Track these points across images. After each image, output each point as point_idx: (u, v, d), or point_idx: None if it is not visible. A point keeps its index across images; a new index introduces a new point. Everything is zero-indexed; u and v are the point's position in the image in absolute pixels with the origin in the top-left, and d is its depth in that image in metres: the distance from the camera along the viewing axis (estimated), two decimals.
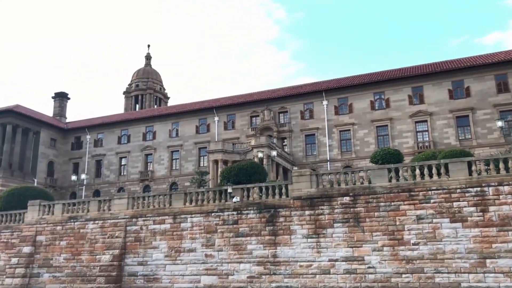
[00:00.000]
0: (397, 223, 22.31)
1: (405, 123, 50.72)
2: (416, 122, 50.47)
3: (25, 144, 63.19)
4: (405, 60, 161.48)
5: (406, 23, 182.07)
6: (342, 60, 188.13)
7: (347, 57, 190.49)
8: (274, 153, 46.54)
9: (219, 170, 44.45)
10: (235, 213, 25.83)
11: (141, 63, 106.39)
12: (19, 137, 61.90)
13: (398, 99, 51.68)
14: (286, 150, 54.84)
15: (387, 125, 51.52)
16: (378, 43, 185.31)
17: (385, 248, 22.13)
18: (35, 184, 56.19)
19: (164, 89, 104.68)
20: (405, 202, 22.51)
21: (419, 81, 51.10)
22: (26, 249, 30.47)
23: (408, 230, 22.00)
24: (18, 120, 62.17)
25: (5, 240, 32.74)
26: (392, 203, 22.72)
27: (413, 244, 21.70)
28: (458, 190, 21.76)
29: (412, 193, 22.53)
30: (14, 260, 30.31)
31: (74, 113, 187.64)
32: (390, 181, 23.31)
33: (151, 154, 62.92)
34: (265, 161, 45.45)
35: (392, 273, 21.62)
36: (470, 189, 21.58)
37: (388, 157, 27.56)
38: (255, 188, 26.32)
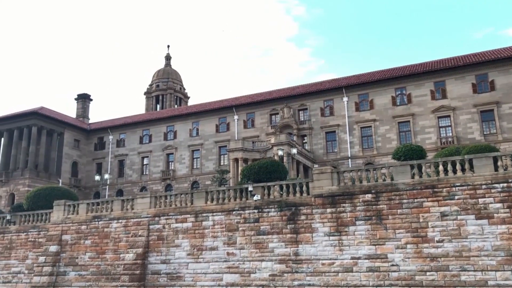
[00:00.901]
0: (421, 220, 21.98)
1: (427, 119, 49.89)
2: (438, 117, 49.60)
3: (49, 145, 64.57)
4: (427, 55, 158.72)
5: (428, 17, 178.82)
6: (363, 56, 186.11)
7: (367, 52, 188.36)
8: (294, 150, 46.39)
9: (240, 168, 44.55)
10: (256, 211, 25.85)
11: (161, 64, 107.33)
12: (44, 139, 63.29)
13: (420, 94, 50.85)
14: (306, 147, 54.60)
15: (409, 121, 50.78)
16: (400, 37, 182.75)
17: (408, 246, 21.82)
18: (60, 185, 57.43)
19: (184, 89, 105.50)
20: (429, 199, 22.16)
21: (441, 76, 50.18)
22: (53, 248, 31.15)
23: (432, 227, 21.65)
24: (43, 122, 63.57)
25: (32, 239, 33.56)
26: (415, 200, 22.39)
27: (438, 242, 21.34)
28: (484, 186, 21.29)
29: (436, 189, 22.15)
30: (42, 259, 31.04)
31: (97, 114, 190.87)
32: (413, 177, 22.97)
33: (172, 153, 63.52)
34: (285, 159, 45.35)
35: (416, 271, 21.32)
36: (496, 185, 21.10)
37: (410, 154, 27.13)
38: (275, 186, 26.28)
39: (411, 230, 22.01)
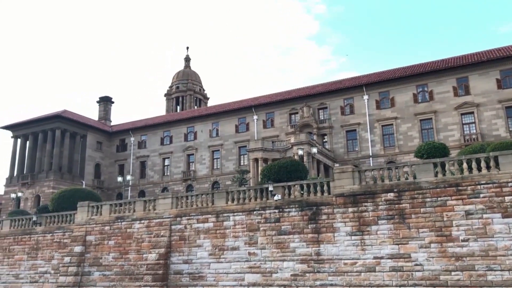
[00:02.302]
0: (445, 219, 21.58)
1: (450, 116, 49.01)
2: (462, 114, 48.68)
3: (73, 148, 65.83)
4: (450, 51, 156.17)
5: (451, 12, 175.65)
6: (385, 54, 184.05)
7: (389, 50, 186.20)
8: (314, 150, 46.15)
9: (259, 168, 44.56)
10: (276, 211, 25.80)
11: (181, 65, 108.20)
12: (67, 141, 64.55)
13: (442, 91, 49.99)
14: (326, 146, 54.28)
15: (431, 118, 49.97)
16: (421, 34, 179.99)
17: (432, 245, 21.45)
18: (84, 186, 58.45)
19: (203, 90, 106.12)
20: (453, 197, 21.73)
21: (464, 72, 49.21)
22: (77, 249, 31.71)
23: (457, 226, 21.24)
24: (66, 124, 64.84)
25: (57, 240, 34.23)
26: (439, 199, 22.00)
27: (462, 241, 20.91)
28: (510, 184, 20.76)
29: (460, 187, 21.72)
30: (67, 259, 31.63)
31: (118, 116, 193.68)
32: (436, 176, 22.57)
33: (192, 154, 63.97)
34: (305, 158, 45.17)
35: (440, 271, 20.95)
36: None
37: (433, 151, 26.68)
38: (296, 185, 26.18)
39: (435, 229, 21.63)
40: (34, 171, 63.82)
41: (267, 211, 26.04)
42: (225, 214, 27.30)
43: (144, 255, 28.98)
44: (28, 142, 66.22)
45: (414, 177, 23.10)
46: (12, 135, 67.35)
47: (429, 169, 22.84)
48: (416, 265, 21.51)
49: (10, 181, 65.04)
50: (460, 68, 49.37)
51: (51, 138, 64.12)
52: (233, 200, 27.61)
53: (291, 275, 24.15)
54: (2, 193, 67.33)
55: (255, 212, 26.41)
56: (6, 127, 67.64)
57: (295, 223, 25.07)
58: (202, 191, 33.82)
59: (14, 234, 36.68)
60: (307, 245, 24.32)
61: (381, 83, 53.25)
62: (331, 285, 23.00)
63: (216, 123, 63.18)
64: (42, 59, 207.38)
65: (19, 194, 57.50)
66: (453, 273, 20.67)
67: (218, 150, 61.96)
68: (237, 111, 61.91)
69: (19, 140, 66.73)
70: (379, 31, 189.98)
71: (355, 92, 54.59)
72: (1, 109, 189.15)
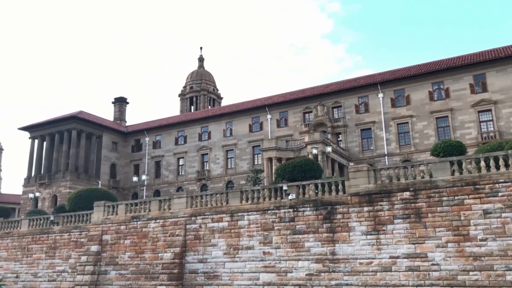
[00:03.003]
0: (462, 218, 21.27)
1: (467, 113, 48.28)
2: (479, 111, 47.90)
3: (89, 148, 66.59)
4: (467, 48, 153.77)
5: (467, 9, 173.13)
6: (400, 52, 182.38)
7: (405, 47, 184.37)
8: (329, 149, 45.91)
9: (274, 167, 44.50)
10: (291, 210, 25.73)
11: (195, 66, 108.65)
12: (83, 142, 65.33)
13: (458, 88, 49.27)
14: (341, 145, 53.93)
15: (447, 116, 49.31)
16: (437, 32, 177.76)
17: (449, 244, 21.17)
18: (99, 186, 59.05)
19: (217, 90, 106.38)
20: (470, 196, 21.41)
21: (481, 68, 48.40)
22: (94, 248, 32.06)
23: (474, 225, 20.92)
24: (82, 125, 65.62)
25: (74, 239, 34.66)
26: (456, 197, 21.70)
27: (480, 240, 20.59)
28: None
29: (477, 186, 21.38)
30: (84, 258, 32.01)
31: (133, 117, 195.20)
32: (452, 174, 22.26)
33: (207, 153, 64.18)
34: (319, 157, 44.95)
35: (458, 270, 20.66)
36: None
37: (449, 150, 26.36)
38: (310, 185, 26.08)
39: (452, 228, 21.34)
40: (51, 171, 64.73)
41: (282, 211, 25.99)
42: (239, 214, 27.32)
43: (159, 254, 29.17)
44: (45, 143, 67.17)
45: (431, 176, 22.82)
46: (29, 136, 68.44)
47: (446, 168, 22.54)
48: (433, 264, 21.25)
49: (28, 181, 66.12)
50: (477, 65, 48.58)
51: (67, 138, 64.95)
52: (247, 200, 27.62)
53: (306, 274, 24.07)
54: (21, 193, 68.45)
55: (269, 211, 26.38)
56: (24, 128, 68.74)
57: (309, 222, 24.97)
58: (217, 191, 33.93)
59: (32, 234, 37.27)
60: (322, 245, 24.21)
61: (396, 81, 52.72)
62: (347, 284, 22.87)
63: (230, 123, 63.29)
64: (58, 61, 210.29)
65: (37, 194, 58.48)
66: (471, 273, 20.37)
67: (232, 149, 62.06)
68: (250, 110, 61.91)
69: (36, 141, 67.76)
70: (394, 29, 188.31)
71: (370, 90, 54.16)
72: (19, 111, 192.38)
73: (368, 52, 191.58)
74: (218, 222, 27.95)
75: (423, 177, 23.09)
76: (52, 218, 36.80)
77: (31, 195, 56.87)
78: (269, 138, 55.89)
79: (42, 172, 65.39)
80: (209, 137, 64.51)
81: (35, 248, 36.55)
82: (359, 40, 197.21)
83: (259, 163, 57.59)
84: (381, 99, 53.12)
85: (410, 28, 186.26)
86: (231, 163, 61.97)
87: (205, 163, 64.29)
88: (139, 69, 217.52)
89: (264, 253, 25.72)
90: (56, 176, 63.86)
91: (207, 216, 28.50)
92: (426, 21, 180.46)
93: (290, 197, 25.87)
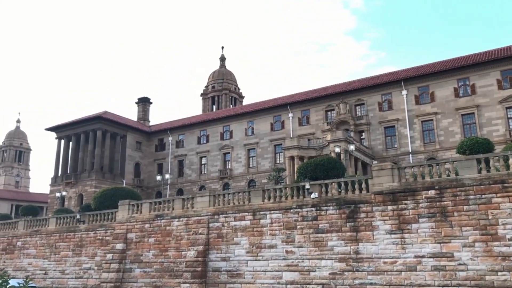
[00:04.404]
0: (490, 217, 20.76)
1: (494, 110, 47.10)
2: (507, 108, 46.68)
3: (113, 148, 67.72)
4: (493, 43, 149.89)
5: (491, 5, 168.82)
6: (425, 48, 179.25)
7: (430, 44, 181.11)
8: (351, 147, 45.48)
9: (295, 166, 44.35)
10: (314, 209, 25.59)
11: (216, 65, 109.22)
12: (108, 141, 66.48)
13: (485, 84, 48.11)
14: (364, 143, 53.37)
15: (473, 113, 48.23)
16: (463, 27, 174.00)
17: (476, 244, 20.70)
18: (124, 185, 60.00)
19: (238, 89, 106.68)
20: (498, 195, 20.87)
21: (509, 64, 47.11)
22: (119, 246, 32.57)
23: (503, 224, 20.37)
24: (107, 125, 66.78)
25: (100, 238, 35.30)
26: (483, 196, 21.19)
27: (509, 240, 20.05)
28: None
29: (506, 184, 20.82)
30: (109, 256, 32.56)
31: (156, 117, 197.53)
32: (479, 172, 21.75)
33: (229, 152, 64.47)
34: (342, 155, 44.56)
35: (486, 271, 20.18)
36: None
37: (476, 147, 25.73)
38: (333, 183, 25.87)
39: (479, 227, 20.85)
40: (77, 171, 66.10)
41: (304, 209, 25.88)
42: (261, 212, 27.33)
43: (183, 253, 29.42)
44: (71, 143, 68.63)
45: (456, 174, 22.36)
46: (56, 136, 70.04)
47: (472, 166, 22.04)
48: (460, 264, 20.82)
49: (55, 180, 67.71)
50: (504, 60, 47.32)
51: (92, 138, 66.20)
52: (269, 198, 27.60)
53: (330, 273, 23.91)
54: (48, 192, 70.16)
55: (291, 210, 26.30)
56: (51, 129, 70.43)
57: (332, 221, 24.80)
58: (239, 189, 34.00)
59: (59, 232, 38.12)
60: (345, 244, 24.01)
61: (420, 78, 51.85)
62: (371, 284, 22.63)
63: (252, 122, 63.38)
64: (84, 63, 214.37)
65: (64, 193, 59.88)
66: (499, 273, 19.88)
67: (254, 148, 62.15)
68: (272, 109, 61.86)
69: (62, 141, 69.31)
70: (418, 24, 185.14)
71: (393, 87, 53.41)
72: (46, 112, 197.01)
73: (392, 48, 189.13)
74: (240, 220, 28.02)
75: (448, 175, 22.63)
76: (78, 216, 37.57)
77: (58, 194, 58.30)
78: (291, 136, 55.72)
79: (68, 172, 66.84)
80: (231, 136, 64.77)
81: (62, 245, 37.41)
82: (383, 37, 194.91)
83: (280, 161, 57.52)
84: (405, 96, 52.33)
85: (434, 23, 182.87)
86: (252, 162, 62.07)
87: (227, 162, 64.59)
88: (162, 70, 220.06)
89: (286, 252, 25.66)
90: (82, 175, 65.17)
91: (229, 215, 28.61)
92: (450, 17, 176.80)
93: (312, 196, 25.74)
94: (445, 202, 22.00)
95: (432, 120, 50.51)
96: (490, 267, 20.14)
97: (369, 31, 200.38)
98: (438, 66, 52.92)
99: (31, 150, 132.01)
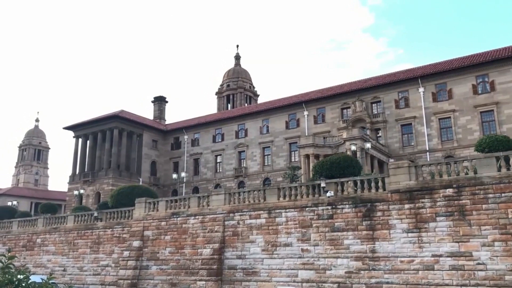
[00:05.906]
0: (510, 216, 20.39)
1: None
2: None
3: (130, 146, 68.38)
4: (510, 41, 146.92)
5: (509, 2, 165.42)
6: (443, 45, 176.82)
7: (447, 40, 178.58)
8: (368, 145, 45.11)
9: (311, 164, 44.17)
10: (329, 207, 25.47)
11: (231, 63, 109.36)
12: (124, 140, 67.15)
13: (504, 81, 47.20)
14: (380, 141, 52.87)
15: (492, 110, 47.37)
16: (482, 23, 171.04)
17: (496, 243, 20.35)
18: (141, 183, 60.51)
19: (253, 87, 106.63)
20: None
21: None
22: (136, 243, 32.90)
23: None
24: (123, 124, 67.44)
25: (117, 235, 35.69)
26: (503, 195, 20.82)
27: None
28: None
29: None
30: (126, 253, 32.91)
31: (172, 115, 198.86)
32: (499, 170, 21.37)
33: (243, 151, 64.54)
34: (358, 154, 44.27)
35: (506, 270, 19.83)
36: None
37: (495, 145, 25.30)
38: (349, 182, 25.70)
39: (499, 226, 20.50)
40: (94, 169, 66.94)
41: (320, 208, 25.77)
42: (277, 210, 27.30)
43: (199, 250, 29.58)
44: (88, 141, 69.54)
45: (475, 172, 22.01)
46: (73, 135, 71.01)
47: (492, 164, 21.67)
48: (479, 264, 20.50)
49: (73, 178, 68.68)
50: None
51: (109, 137, 66.93)
52: (284, 197, 27.55)
53: (345, 272, 23.78)
54: (66, 190, 71.23)
55: (307, 208, 26.21)
56: (68, 128, 71.44)
57: (348, 220, 24.64)
58: (254, 188, 34.02)
59: (77, 229, 38.66)
60: (361, 242, 23.85)
61: (438, 75, 51.13)
62: (387, 283, 22.44)
63: (266, 120, 63.32)
64: (100, 62, 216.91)
65: (81, 191, 60.71)
66: None
67: (269, 146, 62.08)
68: (287, 107, 61.69)
69: (80, 140, 70.25)
70: (436, 21, 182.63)
71: (410, 84, 52.78)
72: (64, 111, 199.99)
73: (410, 45, 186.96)
74: (255, 218, 28.03)
75: (467, 174, 22.30)
76: (95, 214, 38.04)
77: (75, 192, 59.16)
78: (306, 134, 55.48)
79: (86, 170, 67.73)
80: (245, 135, 64.81)
81: (80, 243, 37.92)
82: (401, 33, 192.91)
83: (295, 160, 57.36)
84: (422, 93, 51.68)
85: (453, 20, 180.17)
86: (267, 160, 62.02)
87: (242, 160, 64.67)
88: (178, 69, 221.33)
89: (302, 250, 25.60)
90: (99, 173, 65.97)
91: (245, 213, 28.64)
92: (470, 13, 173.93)
93: (328, 194, 25.61)
94: (463, 201, 21.68)
95: (449, 117, 49.79)
96: (510, 267, 19.79)
97: (387, 28, 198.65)
98: (456, 62, 52.09)
99: (49, 148, 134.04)
